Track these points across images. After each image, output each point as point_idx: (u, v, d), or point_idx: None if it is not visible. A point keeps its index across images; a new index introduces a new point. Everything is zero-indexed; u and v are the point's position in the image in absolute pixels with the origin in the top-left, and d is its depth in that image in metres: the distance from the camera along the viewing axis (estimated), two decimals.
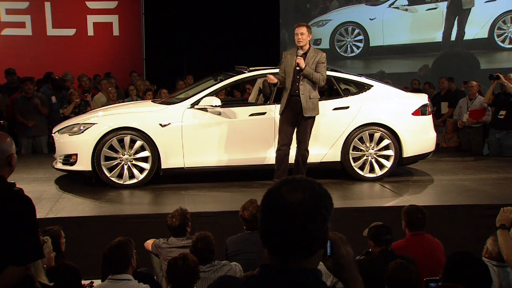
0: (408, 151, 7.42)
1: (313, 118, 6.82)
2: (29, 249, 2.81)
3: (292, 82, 6.70)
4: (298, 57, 6.65)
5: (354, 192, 7.02)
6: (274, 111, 7.16)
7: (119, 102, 9.58)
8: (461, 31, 13.66)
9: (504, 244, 3.97)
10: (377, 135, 7.33)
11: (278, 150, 6.83)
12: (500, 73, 9.32)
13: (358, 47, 13.95)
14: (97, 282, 4.31)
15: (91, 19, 13.07)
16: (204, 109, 7.07)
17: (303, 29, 6.73)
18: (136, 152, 6.96)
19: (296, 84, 6.70)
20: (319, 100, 7.01)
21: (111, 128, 6.93)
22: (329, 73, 7.53)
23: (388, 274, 3.71)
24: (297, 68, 6.67)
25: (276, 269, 1.73)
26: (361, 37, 13.88)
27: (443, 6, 13.69)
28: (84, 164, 6.93)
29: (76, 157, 6.96)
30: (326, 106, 7.24)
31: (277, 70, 7.45)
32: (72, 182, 7.33)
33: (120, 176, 6.98)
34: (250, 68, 7.52)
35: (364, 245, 4.64)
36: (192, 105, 7.09)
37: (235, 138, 7.12)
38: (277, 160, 6.86)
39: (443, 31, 13.73)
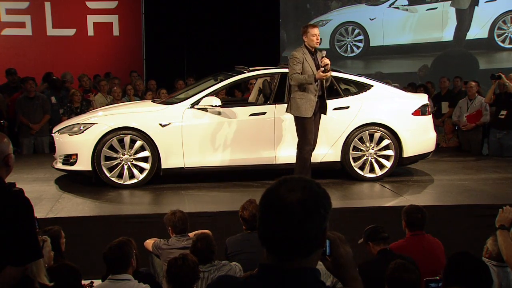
0: (408, 151, 7.42)
1: None
2: (27, 249, 2.81)
3: (318, 83, 6.62)
4: (325, 58, 6.59)
5: (354, 192, 7.01)
6: (274, 111, 7.16)
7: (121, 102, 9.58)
8: (464, 31, 13.65)
9: (504, 244, 3.98)
10: (377, 135, 7.33)
11: (308, 152, 6.67)
12: (501, 73, 9.32)
13: (358, 47, 13.95)
14: (97, 282, 4.31)
15: (91, 19, 13.06)
16: (204, 109, 7.07)
17: (318, 30, 6.77)
18: (136, 152, 6.97)
19: (320, 85, 6.66)
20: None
21: (111, 128, 6.93)
22: None
23: (387, 274, 3.71)
24: (322, 68, 6.56)
25: (275, 268, 1.73)
26: (361, 37, 13.88)
27: (443, 6, 13.69)
28: (84, 164, 6.94)
29: (76, 157, 6.97)
30: None
31: (277, 70, 7.47)
32: (72, 182, 7.33)
33: (120, 176, 6.99)
34: (250, 68, 7.51)
35: (364, 245, 4.64)
36: (192, 105, 7.09)
37: (235, 138, 7.12)
38: (305, 161, 6.67)
39: (456, 29, 13.67)
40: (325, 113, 6.81)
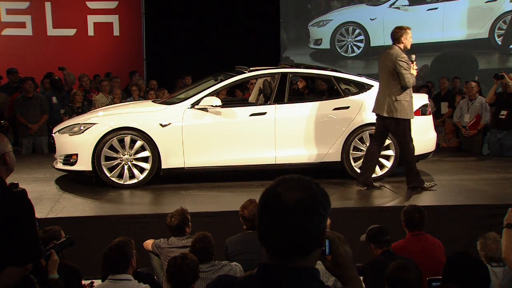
0: None
1: None
2: (28, 249, 2.81)
3: None
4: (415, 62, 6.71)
5: (354, 192, 7.01)
6: (274, 111, 7.16)
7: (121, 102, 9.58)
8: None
9: (506, 242, 3.98)
10: None
11: (413, 149, 6.77)
12: (504, 72, 9.31)
13: (358, 47, 13.94)
14: (97, 282, 4.32)
15: (91, 19, 13.06)
16: (205, 109, 7.07)
17: None
18: (137, 152, 6.97)
19: None
20: (320, 100, 7.21)
21: (112, 128, 6.94)
22: (329, 73, 7.57)
23: (387, 274, 3.71)
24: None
25: (274, 268, 1.74)
26: (361, 37, 13.87)
27: (443, 6, 13.69)
28: (84, 164, 6.94)
29: (77, 157, 6.97)
30: (326, 106, 7.24)
31: (277, 70, 7.48)
32: (72, 182, 7.33)
33: (120, 176, 6.99)
34: (250, 68, 7.51)
35: (364, 245, 4.64)
36: (193, 105, 7.09)
37: (235, 138, 7.12)
38: (412, 160, 6.80)
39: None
40: None
